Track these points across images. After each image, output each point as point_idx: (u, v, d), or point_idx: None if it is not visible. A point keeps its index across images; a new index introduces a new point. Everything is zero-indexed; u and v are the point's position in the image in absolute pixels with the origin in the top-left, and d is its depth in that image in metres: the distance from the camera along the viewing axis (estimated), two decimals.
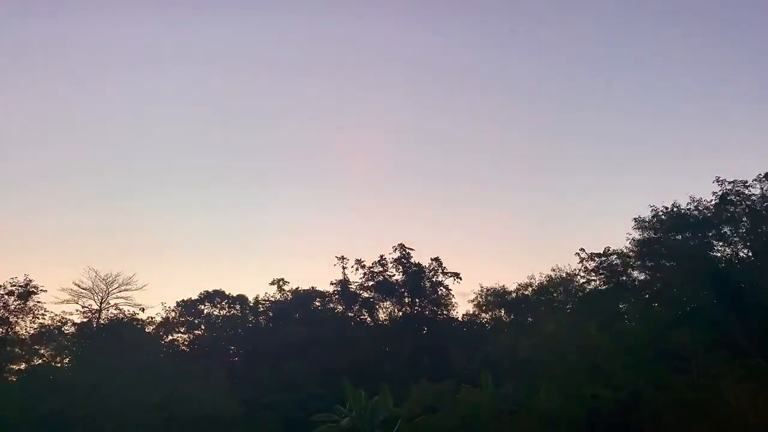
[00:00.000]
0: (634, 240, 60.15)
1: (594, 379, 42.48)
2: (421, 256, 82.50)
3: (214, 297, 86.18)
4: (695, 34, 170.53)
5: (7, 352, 59.59)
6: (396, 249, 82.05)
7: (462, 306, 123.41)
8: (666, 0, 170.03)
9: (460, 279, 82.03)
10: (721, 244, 55.50)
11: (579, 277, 69.73)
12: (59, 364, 63.09)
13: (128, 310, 67.21)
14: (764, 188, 55.50)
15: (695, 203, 56.88)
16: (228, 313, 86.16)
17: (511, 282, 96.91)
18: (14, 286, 60.46)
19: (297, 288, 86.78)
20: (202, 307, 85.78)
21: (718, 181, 56.50)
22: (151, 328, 78.50)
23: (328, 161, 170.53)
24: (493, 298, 78.77)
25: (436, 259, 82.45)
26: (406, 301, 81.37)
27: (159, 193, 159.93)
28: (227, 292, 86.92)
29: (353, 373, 61.58)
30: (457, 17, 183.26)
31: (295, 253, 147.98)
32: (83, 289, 64.41)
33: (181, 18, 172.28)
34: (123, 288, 65.88)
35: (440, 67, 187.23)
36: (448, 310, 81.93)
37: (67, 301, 64.04)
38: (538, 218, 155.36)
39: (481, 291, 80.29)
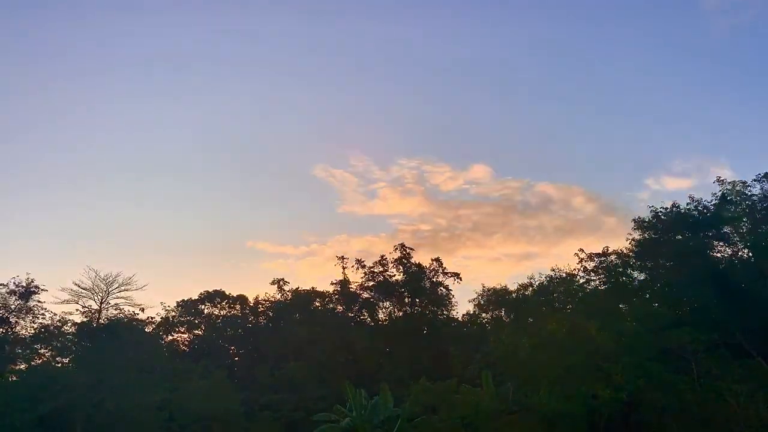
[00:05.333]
0: (633, 240, 60.21)
1: (594, 379, 42.40)
2: (421, 256, 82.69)
3: (214, 297, 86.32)
4: (695, 33, 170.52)
5: (7, 352, 59.54)
6: (396, 249, 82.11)
7: (462, 306, 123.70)
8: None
9: (460, 279, 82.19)
10: (721, 244, 55.48)
11: (579, 277, 69.76)
12: (59, 364, 63.07)
13: (128, 310, 67.10)
14: (764, 188, 55.55)
15: (695, 203, 56.94)
16: (228, 313, 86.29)
17: (511, 282, 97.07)
18: (16, 285, 60.42)
19: (297, 288, 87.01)
20: (202, 307, 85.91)
21: (718, 181, 56.65)
22: (151, 328, 78.50)
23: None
24: (494, 298, 78.72)
25: (437, 259, 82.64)
26: (406, 301, 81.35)
27: (159, 192, 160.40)
28: (227, 292, 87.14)
29: (353, 373, 61.65)
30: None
31: (295, 252, 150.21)
32: (83, 289, 64.27)
33: (176, 17, 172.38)
34: (123, 288, 65.71)
35: (443, 61, 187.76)
36: (448, 310, 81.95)
37: (67, 301, 63.95)
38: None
39: (482, 291, 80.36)
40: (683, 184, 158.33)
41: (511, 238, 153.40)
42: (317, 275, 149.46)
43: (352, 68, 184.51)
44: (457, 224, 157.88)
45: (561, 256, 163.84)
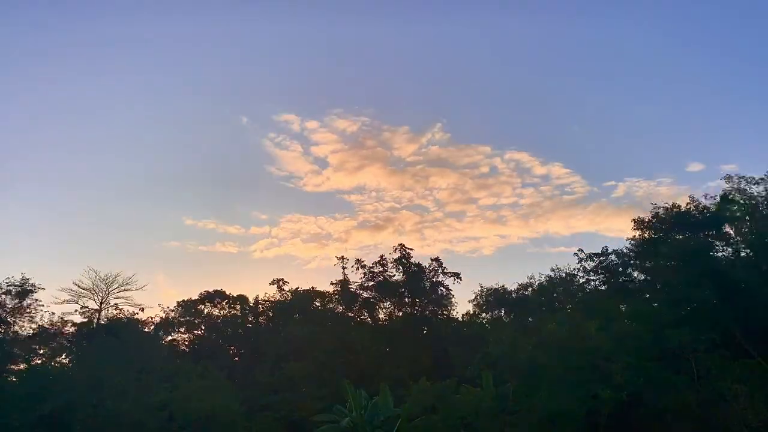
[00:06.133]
0: (634, 240, 60.24)
1: (594, 379, 42.42)
2: (421, 256, 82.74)
3: (214, 297, 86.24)
4: (695, 32, 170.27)
5: (6, 352, 59.60)
6: (396, 249, 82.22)
7: (462, 306, 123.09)
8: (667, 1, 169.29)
9: (460, 279, 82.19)
10: (721, 243, 55.46)
11: (579, 277, 69.83)
12: (59, 364, 63.13)
13: (128, 310, 67.35)
14: (766, 188, 55.53)
15: (696, 203, 56.97)
16: (228, 313, 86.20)
17: (511, 282, 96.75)
18: (10, 285, 60.44)
19: (297, 288, 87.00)
20: (202, 307, 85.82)
21: (724, 179, 56.72)
22: (151, 328, 78.54)
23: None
24: (493, 298, 78.76)
25: (436, 259, 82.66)
26: (406, 301, 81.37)
27: (158, 192, 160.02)
28: (227, 292, 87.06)
29: (353, 373, 61.54)
30: None
31: (295, 252, 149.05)
32: (83, 289, 64.66)
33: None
34: (123, 288, 66.15)
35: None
36: (448, 310, 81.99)
37: (67, 301, 64.26)
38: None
39: (481, 291, 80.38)
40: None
41: (482, 217, 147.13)
42: (272, 258, 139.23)
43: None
44: (424, 202, 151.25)
45: (538, 241, 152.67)
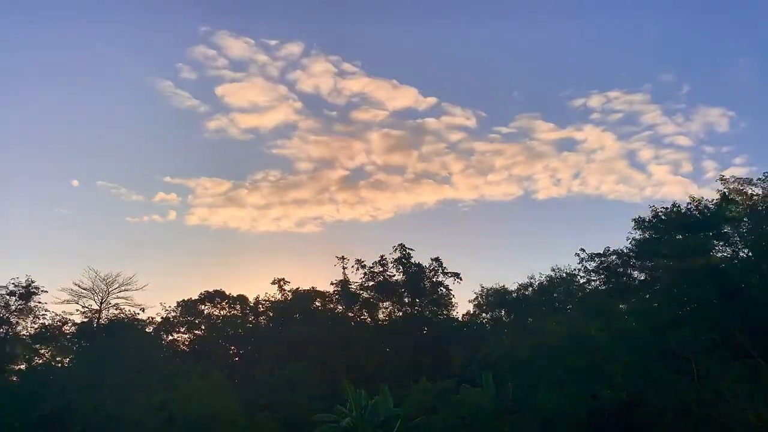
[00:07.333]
0: (634, 240, 60.27)
1: (594, 379, 42.46)
2: (421, 256, 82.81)
3: (214, 297, 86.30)
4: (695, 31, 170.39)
5: (7, 352, 59.72)
6: (396, 249, 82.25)
7: (462, 306, 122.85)
8: None
9: (460, 279, 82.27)
10: (721, 243, 55.46)
11: (579, 277, 69.85)
12: (59, 364, 63.21)
13: (128, 310, 67.40)
14: (766, 188, 55.53)
15: (695, 203, 56.96)
16: (228, 313, 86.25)
17: (511, 282, 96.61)
18: (16, 286, 60.60)
19: (297, 288, 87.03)
20: (202, 307, 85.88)
21: (720, 180, 56.75)
22: (151, 328, 78.58)
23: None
24: (494, 298, 78.77)
25: (436, 259, 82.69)
26: (406, 301, 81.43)
27: (157, 191, 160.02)
28: (227, 292, 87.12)
29: (353, 373, 61.63)
30: None
31: (296, 252, 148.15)
32: (83, 289, 64.70)
33: None
34: (123, 288, 66.25)
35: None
36: (448, 310, 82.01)
37: (67, 301, 64.33)
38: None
39: (482, 291, 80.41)
40: None
41: (422, 171, 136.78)
42: (190, 228, 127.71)
43: None
44: (361, 158, 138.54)
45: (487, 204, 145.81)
